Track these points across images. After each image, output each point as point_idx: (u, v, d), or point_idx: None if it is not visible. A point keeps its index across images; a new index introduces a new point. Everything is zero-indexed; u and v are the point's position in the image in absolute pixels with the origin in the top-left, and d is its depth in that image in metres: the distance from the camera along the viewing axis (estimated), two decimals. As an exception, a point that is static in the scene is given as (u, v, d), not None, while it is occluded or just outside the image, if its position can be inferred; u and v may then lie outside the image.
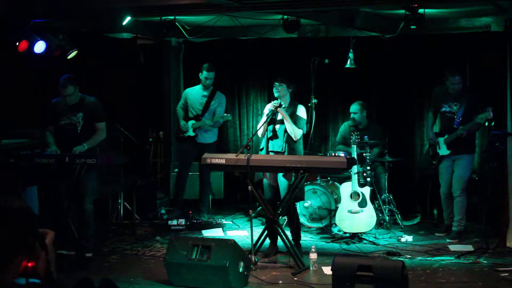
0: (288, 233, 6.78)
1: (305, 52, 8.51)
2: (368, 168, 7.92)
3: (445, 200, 7.80)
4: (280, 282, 5.95)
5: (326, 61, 7.84)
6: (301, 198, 7.10)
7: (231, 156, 6.70)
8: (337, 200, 7.94)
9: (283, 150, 6.76)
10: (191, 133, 8.56)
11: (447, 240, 7.50)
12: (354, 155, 7.61)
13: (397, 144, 8.68)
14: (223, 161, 6.67)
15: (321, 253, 6.65)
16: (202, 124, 8.51)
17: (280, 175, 6.77)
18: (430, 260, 6.69)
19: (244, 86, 10.00)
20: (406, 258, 6.69)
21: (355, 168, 7.48)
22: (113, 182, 8.06)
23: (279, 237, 6.66)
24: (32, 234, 2.11)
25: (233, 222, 8.62)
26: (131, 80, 9.47)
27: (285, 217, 7.46)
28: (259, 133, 6.88)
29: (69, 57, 7.74)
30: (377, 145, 8.36)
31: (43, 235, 2.17)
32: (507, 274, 6.05)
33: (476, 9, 7.89)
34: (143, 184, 8.81)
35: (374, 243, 7.42)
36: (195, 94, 8.65)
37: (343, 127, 8.73)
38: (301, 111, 6.85)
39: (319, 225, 8.09)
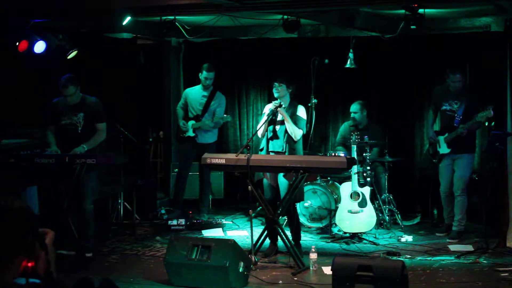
0: (288, 233, 6.78)
1: (305, 52, 8.51)
2: (368, 168, 7.92)
3: (445, 199, 7.80)
4: (280, 282, 5.95)
5: (326, 61, 7.84)
6: (301, 199, 7.10)
7: (231, 156, 6.70)
8: (337, 200, 7.94)
9: (284, 150, 6.76)
10: (191, 133, 8.56)
11: (447, 240, 7.51)
12: (354, 155, 7.61)
13: (397, 144, 8.68)
14: (223, 161, 6.67)
15: (321, 253, 6.65)
16: (202, 124, 8.51)
17: (280, 175, 6.77)
18: (430, 260, 6.69)
19: (244, 86, 10.00)
20: (406, 258, 6.69)
21: (355, 168, 7.48)
22: (113, 182, 8.06)
23: (279, 237, 6.66)
24: (32, 234, 2.11)
25: (233, 222, 8.62)
26: (131, 80, 9.47)
27: (285, 217, 7.46)
28: (259, 133, 6.88)
29: (69, 57, 7.73)
30: (377, 145, 8.37)
31: (43, 235, 2.17)
32: (507, 274, 6.05)
33: (476, 9, 7.89)
34: (143, 184, 8.81)
35: (374, 243, 7.42)
36: (195, 94, 8.64)
37: (343, 127, 8.73)
38: (301, 112, 6.85)
39: (319, 225, 8.09)
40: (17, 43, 7.38)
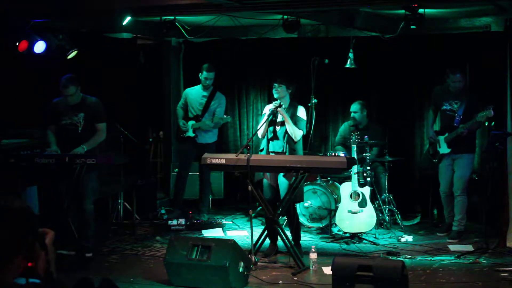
0: (288, 233, 6.78)
1: (305, 52, 8.51)
2: (368, 168, 7.92)
3: (445, 199, 7.80)
4: (280, 282, 5.95)
5: (326, 61, 7.84)
6: (300, 199, 7.10)
7: (231, 156, 6.70)
8: (337, 200, 7.94)
9: (284, 151, 6.76)
10: (191, 133, 8.55)
11: (447, 240, 7.51)
12: (354, 155, 7.61)
13: (397, 144, 8.68)
14: (223, 161, 6.67)
15: (321, 253, 6.65)
16: (202, 124, 8.51)
17: (280, 175, 6.77)
18: (430, 260, 6.69)
19: (244, 86, 10.00)
20: (406, 258, 6.69)
21: (355, 168, 7.48)
22: (113, 182, 8.06)
23: (279, 237, 6.66)
24: (32, 234, 2.11)
25: (233, 222, 8.62)
26: (131, 80, 9.47)
27: (285, 217, 7.46)
28: (259, 134, 6.88)
29: (69, 57, 7.74)
30: (377, 145, 8.37)
31: (43, 235, 2.17)
32: (507, 274, 6.05)
33: (476, 9, 7.89)
34: (143, 184, 8.81)
35: (374, 243, 7.42)
36: (195, 94, 8.64)
37: (343, 127, 8.73)
38: (301, 112, 6.85)
39: (319, 225, 8.09)
40: (17, 43, 7.38)
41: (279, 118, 6.80)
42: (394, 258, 6.70)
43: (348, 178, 7.73)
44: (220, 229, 8.07)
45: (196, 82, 8.67)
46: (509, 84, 7.10)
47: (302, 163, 6.43)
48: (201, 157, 6.91)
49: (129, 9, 7.73)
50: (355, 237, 7.55)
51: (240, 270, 5.69)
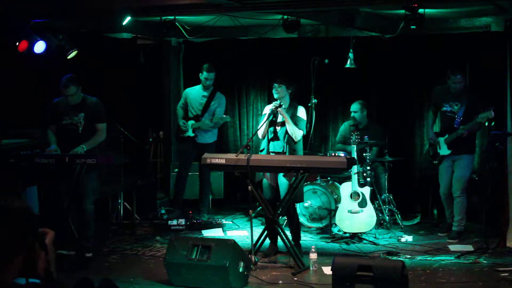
0: (288, 233, 6.78)
1: (305, 52, 8.51)
2: (368, 168, 7.92)
3: (446, 200, 7.80)
4: (280, 282, 5.95)
5: (326, 61, 7.84)
6: (300, 200, 7.10)
7: (231, 156, 6.70)
8: (337, 200, 7.94)
9: (284, 151, 6.76)
10: (190, 133, 8.55)
11: (447, 240, 7.50)
12: (354, 155, 7.61)
13: (397, 144, 8.68)
14: (223, 161, 6.67)
15: (321, 253, 6.65)
16: (202, 124, 8.51)
17: (280, 175, 6.77)
18: (430, 260, 6.69)
19: (244, 86, 10.00)
20: (406, 258, 6.69)
21: (355, 168, 7.48)
22: (113, 182, 8.06)
23: (279, 237, 6.66)
24: (32, 234, 2.11)
25: (233, 222, 8.62)
26: (131, 80, 9.47)
27: (285, 217, 7.46)
28: (259, 134, 6.88)
29: (69, 57, 7.74)
30: (376, 145, 8.37)
31: (43, 235, 2.17)
32: (507, 274, 6.05)
33: (476, 9, 7.89)
34: (143, 184, 8.81)
35: (374, 243, 7.42)
36: (195, 94, 8.64)
37: (344, 126, 8.73)
38: (301, 112, 6.85)
39: (319, 225, 8.09)
40: (17, 43, 7.38)
41: (280, 119, 6.80)
42: (394, 258, 6.70)
43: (348, 178, 7.73)
44: (220, 229, 8.07)
45: (196, 82, 8.67)
46: (509, 84, 7.10)
47: (302, 163, 6.43)
48: (201, 157, 6.91)
49: (129, 9, 7.73)
50: (355, 237, 7.55)
51: (240, 270, 5.70)
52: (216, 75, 8.56)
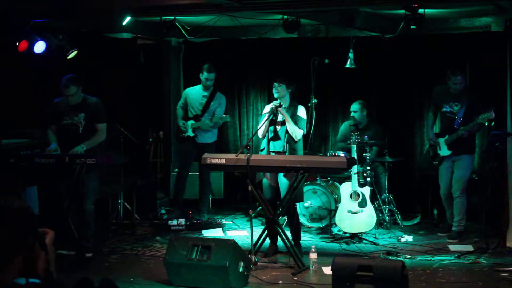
0: (288, 233, 6.78)
1: (305, 52, 8.51)
2: (368, 168, 7.92)
3: (446, 201, 7.79)
4: (280, 282, 5.95)
5: (326, 61, 7.84)
6: (300, 199, 7.10)
7: (231, 156, 6.70)
8: (337, 200, 7.94)
9: (284, 150, 6.77)
10: (190, 133, 8.56)
11: (447, 240, 7.50)
12: (354, 155, 7.61)
13: (397, 144, 8.68)
14: (223, 161, 6.67)
15: (321, 253, 6.65)
16: (201, 124, 8.51)
17: (280, 175, 6.77)
18: (430, 260, 6.69)
19: (244, 86, 10.00)
20: (406, 258, 6.69)
21: (355, 168, 7.48)
22: (113, 182, 8.06)
23: (279, 237, 6.66)
24: (32, 234, 2.11)
25: (233, 222, 8.62)
26: (131, 80, 9.47)
27: (285, 217, 7.46)
28: (260, 134, 6.88)
29: (69, 57, 7.74)
30: (376, 145, 8.37)
31: (43, 235, 2.17)
32: (507, 274, 6.05)
33: (476, 9, 7.89)
34: (143, 184, 8.81)
35: (374, 243, 7.42)
36: (195, 94, 8.64)
37: (344, 126, 8.74)
38: (301, 112, 6.85)
39: (319, 225, 8.09)
40: (17, 43, 7.38)
41: (280, 118, 6.80)
42: (394, 258, 6.70)
43: (348, 178, 7.73)
44: (220, 229, 8.07)
45: (196, 82, 8.67)
46: (509, 84, 7.10)
47: (302, 163, 6.43)
48: (201, 157, 6.91)
49: (129, 9, 7.73)
50: (355, 237, 7.55)
51: (240, 270, 5.70)
52: (216, 75, 8.56)
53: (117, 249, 7.23)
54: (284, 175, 6.72)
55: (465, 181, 7.57)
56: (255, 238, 6.52)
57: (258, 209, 8.22)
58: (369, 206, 7.55)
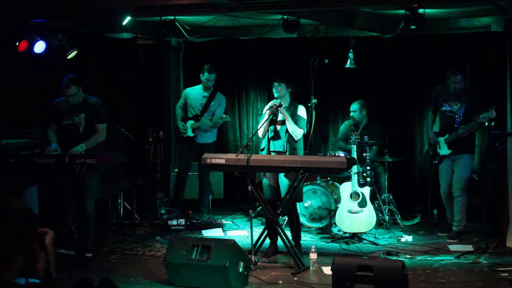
0: (288, 233, 6.78)
1: (305, 52, 8.50)
2: (368, 168, 7.92)
3: (446, 200, 7.79)
4: (280, 282, 5.94)
5: (326, 61, 7.82)
6: (299, 199, 7.09)
7: (231, 156, 6.70)
8: (337, 200, 7.94)
9: (285, 150, 6.77)
10: (190, 133, 8.56)
11: (447, 240, 7.50)
12: (354, 155, 7.61)
13: (397, 144, 8.68)
14: (223, 161, 6.67)
15: (321, 253, 6.65)
16: (201, 124, 8.51)
17: (281, 175, 6.77)
18: (430, 260, 6.69)
19: (244, 86, 10.00)
20: (406, 258, 6.69)
21: (355, 168, 7.48)
22: (113, 182, 8.06)
23: (279, 237, 6.66)
24: (32, 234, 2.11)
25: (233, 222, 8.62)
26: (131, 80, 9.47)
27: (285, 217, 7.46)
28: (260, 133, 6.88)
29: (69, 57, 7.73)
30: (376, 145, 8.37)
31: (42, 235, 2.17)
32: (507, 274, 6.05)
33: (476, 9, 7.89)
34: (143, 184, 8.81)
35: (374, 243, 7.42)
36: (195, 94, 8.64)
37: (344, 125, 8.75)
38: (302, 111, 6.85)
39: (319, 225, 8.09)
40: (17, 43, 7.37)
41: (280, 117, 6.80)
42: (394, 258, 6.70)
43: (348, 178, 7.73)
44: (220, 229, 8.07)
45: (196, 82, 8.67)
46: (509, 84, 7.10)
47: (302, 163, 6.43)
48: (200, 157, 6.91)
49: (129, 9, 7.72)
50: (355, 237, 7.55)
51: (240, 270, 5.69)
52: (216, 75, 8.56)
53: (117, 249, 7.23)
54: (284, 175, 6.72)
55: (465, 181, 7.57)
56: (255, 238, 6.52)
57: (258, 209, 8.22)
58: (369, 206, 7.55)
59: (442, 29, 8.68)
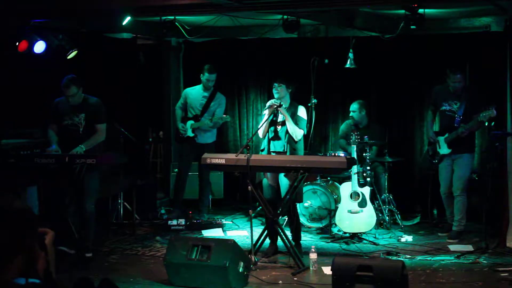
0: (288, 233, 6.78)
1: (305, 52, 8.50)
2: (368, 168, 7.92)
3: (446, 200, 7.79)
4: (280, 282, 5.94)
5: (326, 61, 7.83)
6: (299, 200, 7.09)
7: (231, 156, 6.70)
8: (337, 200, 7.94)
9: (285, 150, 6.77)
10: (190, 133, 8.56)
11: (447, 240, 7.50)
12: (354, 155, 7.61)
13: (397, 144, 8.68)
14: (223, 161, 6.67)
15: (321, 253, 6.65)
16: (201, 124, 8.51)
17: (281, 175, 6.77)
18: (430, 260, 6.69)
19: (244, 86, 10.00)
20: (406, 258, 6.69)
21: (355, 168, 7.48)
22: (113, 182, 8.06)
23: (279, 237, 6.66)
24: (32, 234, 2.11)
25: (233, 222, 8.62)
26: (131, 80, 9.47)
27: (285, 217, 7.46)
28: (260, 134, 6.88)
29: (69, 57, 7.73)
30: (376, 145, 8.37)
31: (42, 235, 2.17)
32: (507, 274, 6.05)
33: (476, 9, 7.89)
34: (143, 184, 8.81)
35: (374, 243, 7.42)
36: (195, 94, 8.64)
37: (345, 124, 8.75)
38: (302, 112, 6.85)
39: (319, 225, 8.09)
40: (17, 43, 7.37)
41: (280, 118, 6.80)
42: (394, 258, 6.70)
43: (348, 178, 7.73)
44: (220, 229, 8.07)
45: (196, 82, 8.67)
46: (509, 84, 7.10)
47: (302, 163, 6.43)
48: (200, 157, 6.91)
49: (129, 9, 7.72)
50: (355, 237, 7.55)
51: (240, 270, 5.70)
52: (217, 75, 8.56)
53: (117, 249, 7.23)
54: (285, 175, 6.72)
55: (465, 180, 7.57)
56: (255, 238, 6.52)
57: (258, 209, 8.22)
58: (369, 206, 7.55)
59: (442, 29, 8.68)
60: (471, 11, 8.05)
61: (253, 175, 6.74)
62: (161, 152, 10.52)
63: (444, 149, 7.66)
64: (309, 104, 7.63)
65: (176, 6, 7.51)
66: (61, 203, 6.72)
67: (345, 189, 7.65)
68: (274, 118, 6.81)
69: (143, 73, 9.80)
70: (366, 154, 7.95)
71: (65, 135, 6.75)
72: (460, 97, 7.56)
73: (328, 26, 9.24)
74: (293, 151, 6.76)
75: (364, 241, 7.48)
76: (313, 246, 6.50)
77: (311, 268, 6.30)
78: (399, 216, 8.17)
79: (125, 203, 8.42)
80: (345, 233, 7.66)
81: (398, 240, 7.54)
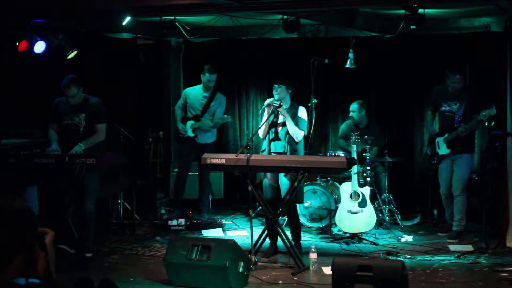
0: (288, 233, 6.78)
1: (305, 52, 8.50)
2: (368, 168, 7.92)
3: (446, 200, 7.79)
4: (280, 282, 5.95)
5: (326, 61, 7.83)
6: (300, 201, 7.08)
7: (231, 156, 6.70)
8: (337, 200, 7.94)
9: (285, 151, 6.76)
10: (190, 133, 8.56)
11: (447, 240, 7.50)
12: (354, 155, 7.61)
13: (397, 144, 8.68)
14: (223, 161, 6.67)
15: (321, 253, 6.65)
16: (202, 124, 8.51)
17: (281, 175, 6.77)
18: (430, 260, 6.69)
19: (244, 86, 10.00)
20: (406, 258, 6.69)
21: (355, 168, 7.48)
22: (113, 182, 8.06)
23: (279, 237, 6.66)
24: (31, 234, 2.11)
25: (233, 222, 8.62)
26: (131, 80, 9.47)
27: (285, 217, 7.46)
28: (260, 134, 6.88)
29: (69, 57, 7.74)
30: (376, 145, 8.37)
31: (42, 235, 2.17)
32: (507, 274, 6.05)
33: (476, 9, 7.89)
34: (143, 184, 8.81)
35: (374, 243, 7.42)
36: (195, 94, 8.64)
37: (345, 124, 8.75)
38: (302, 113, 6.84)
39: (319, 225, 8.09)
40: (17, 43, 7.37)
41: (280, 119, 6.80)
42: (394, 258, 6.70)
43: (348, 178, 7.73)
44: (220, 229, 8.07)
45: (196, 82, 8.67)
46: (509, 84, 7.10)
47: (302, 163, 6.43)
48: (200, 157, 6.91)
49: (129, 9, 7.72)
50: (355, 237, 7.55)
51: (240, 270, 5.70)
52: (217, 75, 8.55)
53: (117, 249, 7.23)
54: (285, 175, 6.72)
55: (465, 180, 7.57)
56: (255, 238, 6.52)
57: (258, 209, 8.21)
58: (369, 206, 7.55)
59: (442, 29, 8.68)
60: (471, 11, 8.05)
61: (253, 175, 6.74)
62: (161, 152, 10.51)
63: (443, 150, 7.65)
64: (309, 104, 7.63)
65: (176, 6, 7.51)
66: (61, 203, 6.72)
67: (345, 189, 7.65)
68: (275, 119, 6.81)
69: (143, 73, 9.80)
70: (366, 154, 7.95)
71: (65, 135, 6.75)
72: (459, 98, 7.55)
73: (328, 26, 9.24)
74: (294, 152, 6.75)
75: (364, 241, 7.48)
76: (313, 246, 6.51)
77: (311, 268, 6.30)
78: (399, 216, 8.17)
79: (125, 203, 8.42)
80: (345, 233, 7.66)
81: (398, 240, 7.54)
